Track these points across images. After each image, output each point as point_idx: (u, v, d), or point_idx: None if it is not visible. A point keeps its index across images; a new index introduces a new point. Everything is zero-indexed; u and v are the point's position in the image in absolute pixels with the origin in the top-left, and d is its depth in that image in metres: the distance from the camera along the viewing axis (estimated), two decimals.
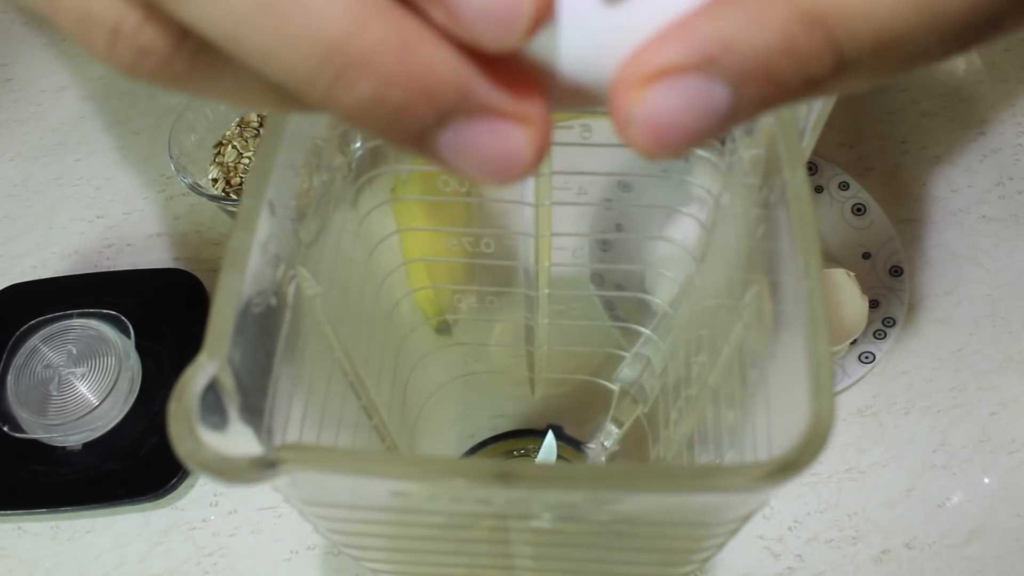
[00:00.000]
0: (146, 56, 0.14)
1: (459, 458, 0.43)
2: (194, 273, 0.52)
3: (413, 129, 0.13)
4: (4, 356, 0.46)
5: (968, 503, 0.45)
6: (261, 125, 0.55)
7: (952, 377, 0.49)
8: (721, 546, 0.23)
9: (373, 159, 0.28)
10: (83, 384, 0.46)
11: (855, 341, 0.47)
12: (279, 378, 0.21)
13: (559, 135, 0.28)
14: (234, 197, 0.52)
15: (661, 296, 0.35)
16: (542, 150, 0.14)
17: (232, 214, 0.53)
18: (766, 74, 0.13)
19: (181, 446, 0.16)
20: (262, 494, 0.46)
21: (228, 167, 0.53)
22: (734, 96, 0.13)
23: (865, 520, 0.44)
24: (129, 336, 0.47)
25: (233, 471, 0.17)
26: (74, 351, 0.47)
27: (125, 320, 0.47)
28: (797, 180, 0.20)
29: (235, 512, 0.46)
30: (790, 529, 0.44)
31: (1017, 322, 0.51)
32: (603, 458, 0.40)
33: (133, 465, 0.45)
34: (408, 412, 0.37)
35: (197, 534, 0.45)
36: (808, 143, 0.39)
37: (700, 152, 0.27)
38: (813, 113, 0.36)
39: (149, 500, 0.44)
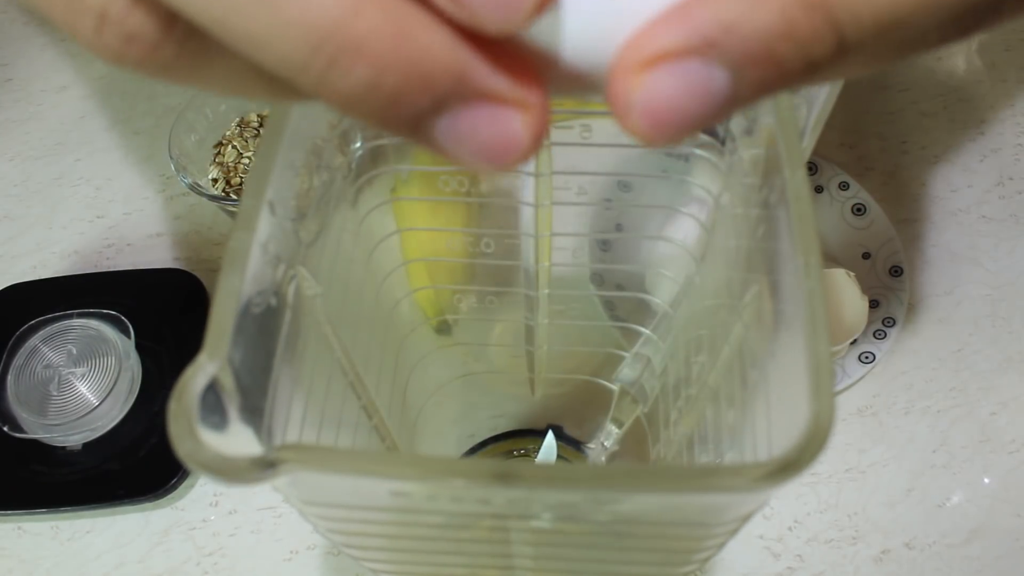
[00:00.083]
0: (133, 42, 0.13)
1: (459, 458, 0.43)
2: (194, 273, 0.52)
3: (409, 116, 0.13)
4: (4, 356, 0.46)
5: (968, 503, 0.45)
6: (261, 125, 0.55)
7: (952, 377, 0.49)
8: (721, 546, 0.23)
9: (373, 159, 0.28)
10: (83, 384, 0.46)
11: (855, 341, 0.47)
12: (279, 378, 0.21)
13: (559, 135, 0.28)
14: (234, 197, 0.52)
15: (661, 296, 0.35)
16: (539, 136, 0.14)
17: (232, 214, 0.53)
18: (767, 57, 0.12)
19: (181, 446, 0.16)
20: (262, 494, 0.46)
21: (228, 167, 0.53)
22: (734, 80, 0.13)
23: (865, 520, 0.44)
24: (129, 336, 0.47)
25: (233, 471, 0.17)
26: (74, 351, 0.46)
27: (125, 320, 0.47)
28: (797, 180, 0.20)
29: (235, 512, 0.46)
30: (790, 529, 0.44)
31: (1017, 322, 0.51)
32: (603, 458, 0.40)
33: (133, 465, 0.45)
34: (408, 412, 0.36)
35: (197, 534, 0.45)
36: (808, 143, 0.39)
37: (700, 152, 0.27)
38: (813, 113, 0.36)
39: (149, 500, 0.44)
